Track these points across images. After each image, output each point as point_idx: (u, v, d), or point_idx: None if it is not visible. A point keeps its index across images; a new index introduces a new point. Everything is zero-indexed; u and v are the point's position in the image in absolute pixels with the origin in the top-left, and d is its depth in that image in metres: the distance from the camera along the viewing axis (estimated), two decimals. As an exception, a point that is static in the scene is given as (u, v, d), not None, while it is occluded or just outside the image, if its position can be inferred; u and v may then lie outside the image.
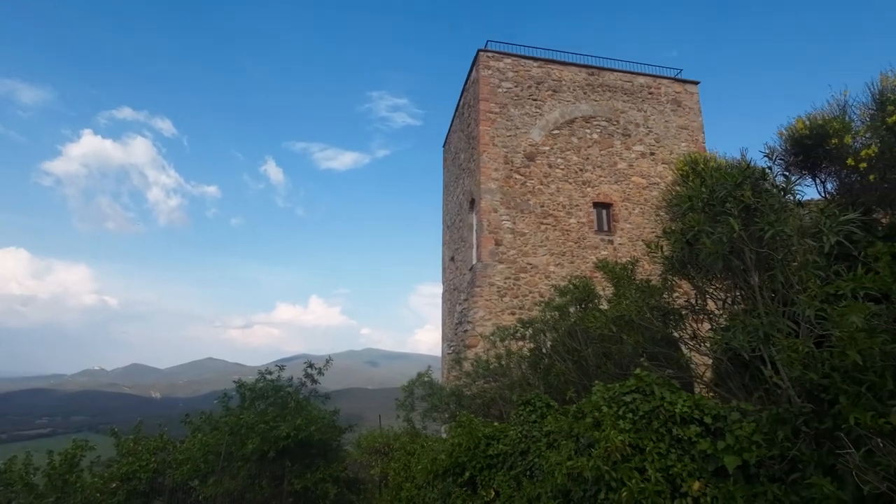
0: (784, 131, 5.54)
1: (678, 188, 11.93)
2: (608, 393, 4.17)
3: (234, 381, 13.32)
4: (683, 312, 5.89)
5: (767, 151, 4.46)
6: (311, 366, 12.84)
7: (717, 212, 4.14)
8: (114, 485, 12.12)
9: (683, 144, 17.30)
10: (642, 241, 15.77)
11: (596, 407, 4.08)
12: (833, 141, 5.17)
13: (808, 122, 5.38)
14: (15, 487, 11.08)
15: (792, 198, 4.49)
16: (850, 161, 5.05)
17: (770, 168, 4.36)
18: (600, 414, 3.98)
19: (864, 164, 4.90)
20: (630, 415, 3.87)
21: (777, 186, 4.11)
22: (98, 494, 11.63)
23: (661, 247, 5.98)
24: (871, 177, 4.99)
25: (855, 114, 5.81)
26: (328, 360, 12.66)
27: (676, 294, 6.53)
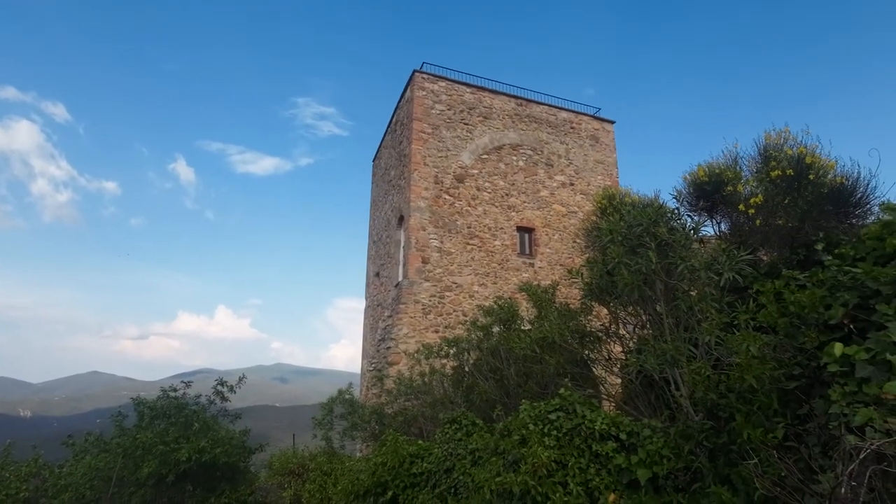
0: (688, 176, 6.25)
1: (595, 219, 12.89)
2: (534, 411, 4.38)
3: (131, 399, 12.17)
4: (600, 335, 6.33)
5: (676, 195, 5.03)
6: (222, 383, 12.06)
7: (634, 245, 4.57)
8: (-29, 518, 10.53)
9: (600, 178, 18.64)
10: (560, 265, 16.71)
11: (523, 425, 4.28)
12: (728, 188, 5.91)
13: (707, 170, 6.10)
14: None
15: (696, 235, 5.06)
16: (741, 207, 5.78)
17: (678, 209, 4.90)
18: (527, 431, 4.18)
19: (752, 210, 5.64)
20: (555, 432, 4.10)
21: (684, 227, 4.63)
22: (-51, 530, 10.06)
23: (582, 274, 6.42)
24: (758, 221, 5.74)
25: (745, 164, 6.68)
26: (242, 377, 11.98)
27: (591, 318, 7.02)
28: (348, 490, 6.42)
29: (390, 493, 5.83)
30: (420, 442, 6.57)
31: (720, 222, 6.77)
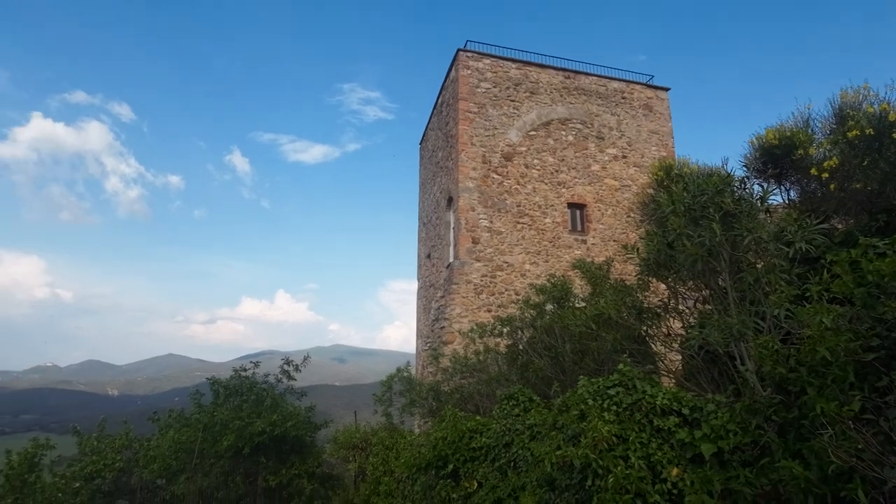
0: (755, 141, 5.90)
1: (651, 191, 12.40)
2: (592, 387, 4.39)
3: (206, 378, 13.11)
4: (658, 311, 6.19)
5: (746, 162, 4.75)
6: (288, 362, 12.77)
7: (697, 216, 4.41)
8: (77, 484, 11.77)
9: (654, 149, 17.90)
10: (614, 241, 16.30)
11: (581, 400, 4.30)
12: (799, 152, 5.55)
13: (776, 133, 5.74)
14: (-30, 488, 10.64)
15: (761, 205, 4.81)
16: (813, 171, 5.43)
17: (748, 177, 4.66)
18: (586, 407, 4.19)
19: (825, 175, 5.29)
20: (614, 407, 4.09)
21: (751, 195, 4.42)
22: (60, 494, 11.29)
23: (638, 249, 6.27)
24: (832, 186, 5.38)
25: (817, 126, 6.23)
26: (306, 356, 12.63)
27: (648, 294, 6.86)
28: (410, 463, 6.68)
29: (451, 467, 6.03)
30: (478, 418, 6.72)
31: (790, 189, 6.39)
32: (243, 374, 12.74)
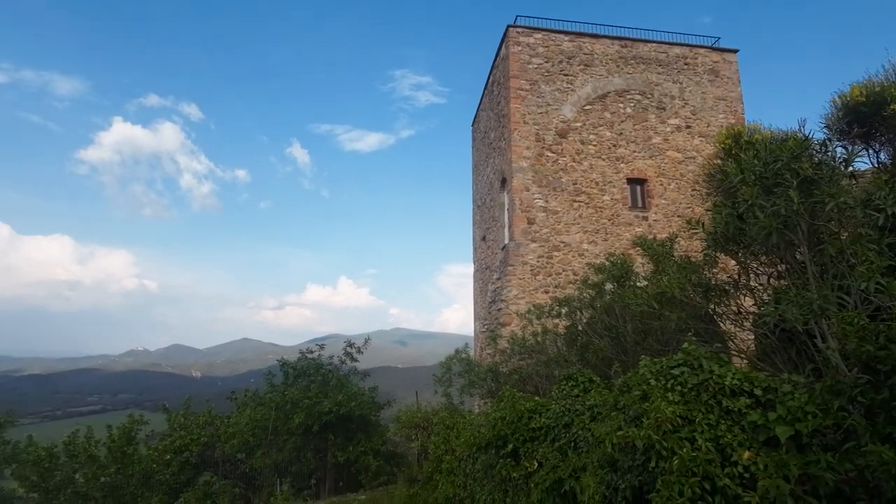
0: (838, 99, 5.35)
1: (719, 161, 11.65)
2: (655, 367, 4.23)
3: (276, 361, 13.89)
4: (727, 288, 5.85)
5: (828, 122, 4.31)
6: (350, 345, 13.29)
7: (770, 184, 4.08)
8: (168, 457, 12.89)
9: (721, 116, 16.76)
10: (678, 216, 15.53)
11: (644, 380, 4.15)
12: (891, 107, 4.97)
13: (863, 89, 5.17)
14: (79, 459, 11.90)
15: (845, 169, 4.38)
16: (907, 129, 4.87)
17: (830, 139, 4.24)
18: (648, 387, 4.05)
19: (922, 132, 4.73)
20: (678, 387, 3.92)
21: (834, 158, 4.03)
22: (154, 465, 12.41)
23: (704, 223, 5.92)
24: (930, 145, 4.81)
25: (912, 79, 5.56)
26: (367, 339, 13.08)
27: (715, 270, 6.48)
28: (471, 442, 6.77)
29: (510, 446, 6.05)
30: (537, 398, 6.69)
31: (879, 151, 5.77)
32: (309, 356, 13.38)
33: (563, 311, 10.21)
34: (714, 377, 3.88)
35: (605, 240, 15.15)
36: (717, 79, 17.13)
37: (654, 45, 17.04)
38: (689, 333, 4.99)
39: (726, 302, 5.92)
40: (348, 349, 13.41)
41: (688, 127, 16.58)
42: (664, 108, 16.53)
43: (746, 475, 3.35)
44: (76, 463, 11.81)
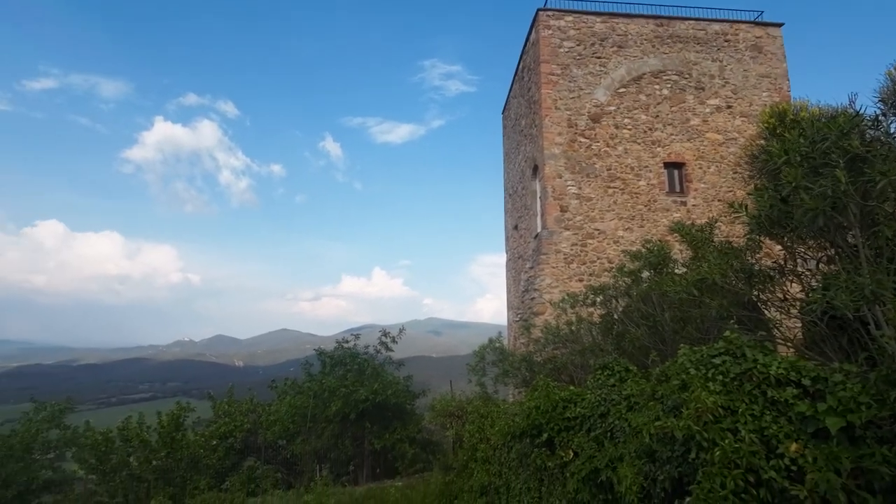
0: (893, 70, 4.99)
1: (762, 142, 11.10)
2: (695, 356, 4.10)
3: (314, 350, 14.24)
4: (772, 274, 5.60)
5: (882, 96, 4.01)
6: (385, 334, 13.48)
7: (817, 164, 3.86)
8: (214, 442, 13.45)
9: (765, 94, 15.98)
10: (718, 200, 14.98)
11: (683, 369, 4.03)
12: (953, 79, 4.61)
13: (923, 59, 4.81)
14: (132, 443, 12.56)
15: (901, 145, 4.09)
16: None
17: (884, 114, 3.96)
18: (688, 376, 3.93)
19: None
20: (720, 377, 3.79)
21: (888, 133, 3.76)
22: (201, 450, 12.97)
23: (747, 206, 5.67)
24: None
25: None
26: (401, 329, 13.25)
27: (759, 255, 6.21)
28: (505, 431, 6.77)
29: (545, 435, 6.02)
30: (572, 388, 6.62)
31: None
32: (345, 345, 13.66)
33: (598, 299, 10.03)
34: (758, 366, 3.73)
35: (641, 226, 14.77)
36: (759, 55, 16.32)
37: (692, 22, 16.35)
38: (731, 321, 4.81)
39: (771, 288, 5.68)
40: (383, 339, 13.61)
41: (728, 107, 15.89)
42: (703, 88, 15.89)
43: (794, 468, 3.22)
44: (130, 447, 12.47)
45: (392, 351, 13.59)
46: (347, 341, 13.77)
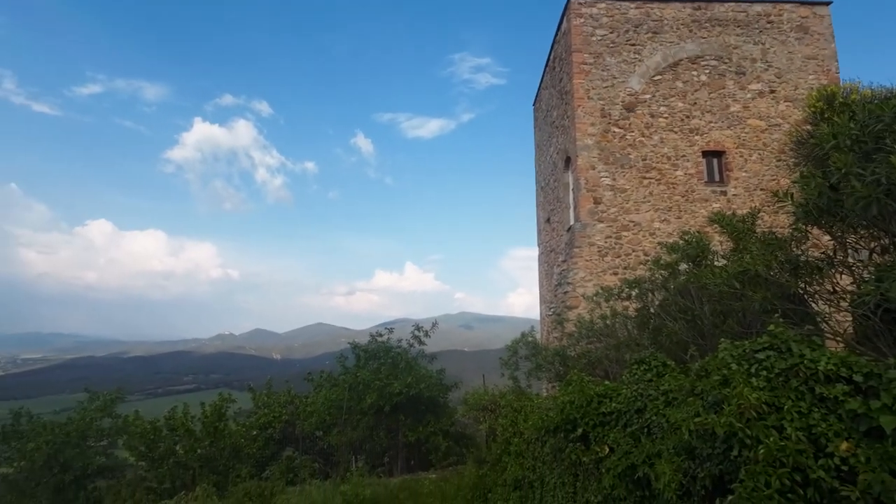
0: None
1: (809, 128, 10.59)
2: (737, 350, 3.96)
3: (348, 344, 14.49)
4: (820, 265, 5.35)
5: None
6: (418, 328, 13.59)
7: (869, 149, 3.64)
8: (254, 432, 13.90)
9: (811, 77, 15.20)
10: (761, 189, 14.40)
11: (724, 364, 3.91)
12: None
13: None
14: (178, 432, 13.10)
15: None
16: None
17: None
18: (729, 372, 3.81)
19: None
20: (764, 372, 3.65)
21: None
22: (242, 440, 13.42)
23: (792, 195, 5.43)
24: None
25: None
26: (434, 323, 13.32)
27: (806, 246, 5.94)
28: (539, 425, 6.73)
29: (580, 430, 5.95)
30: (606, 382, 6.52)
31: None
32: (379, 339, 13.84)
33: (634, 293, 9.82)
34: (805, 361, 3.58)
35: (679, 218, 14.34)
36: (805, 36, 15.52)
37: (732, 4, 15.68)
38: (776, 315, 4.63)
39: (819, 280, 5.43)
40: (416, 332, 13.72)
41: (772, 91, 15.20)
42: (744, 73, 15.24)
43: (844, 468, 3.08)
44: (176, 436, 13.01)
45: (425, 345, 13.69)
46: (381, 335, 13.95)
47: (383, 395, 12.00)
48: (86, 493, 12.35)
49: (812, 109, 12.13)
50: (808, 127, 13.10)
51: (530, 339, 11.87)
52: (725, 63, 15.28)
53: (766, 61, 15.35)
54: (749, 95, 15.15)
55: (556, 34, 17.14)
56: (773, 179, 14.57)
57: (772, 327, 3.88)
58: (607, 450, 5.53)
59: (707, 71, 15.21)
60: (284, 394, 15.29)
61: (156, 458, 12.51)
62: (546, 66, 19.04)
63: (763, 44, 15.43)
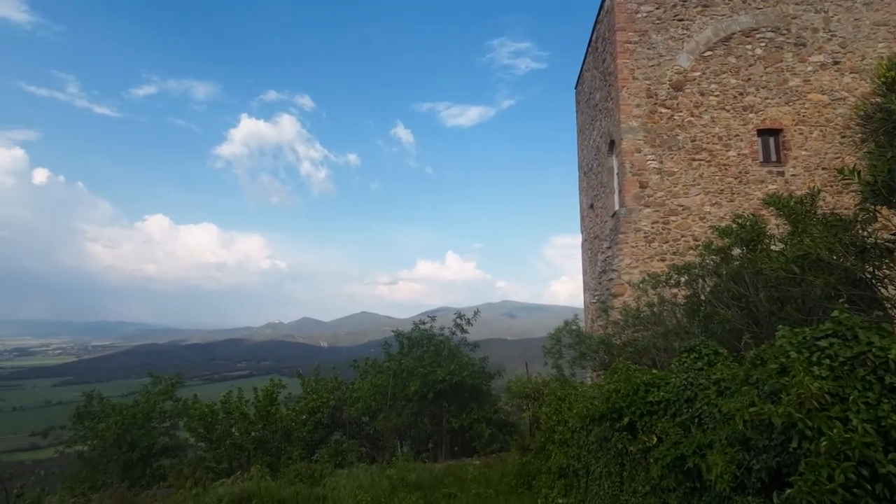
0: None
1: (878, 100, 9.81)
2: (796, 338, 3.75)
3: (392, 332, 14.73)
4: (891, 248, 4.98)
5: None
6: (460, 316, 13.64)
7: (949, 119, 3.34)
8: (303, 416, 14.39)
9: (881, 46, 14.06)
10: (823, 168, 13.53)
11: (782, 352, 3.71)
12: None
13: None
14: (234, 415, 13.73)
15: None
16: None
17: None
18: (788, 360, 3.62)
19: None
20: (827, 361, 3.44)
21: None
22: (292, 424, 13.91)
23: (859, 172, 5.06)
24: None
25: None
26: (477, 311, 13.34)
27: (875, 227, 5.53)
28: (583, 414, 6.64)
29: (626, 419, 5.83)
30: (654, 371, 6.34)
31: None
32: (422, 327, 13.99)
33: (683, 279, 9.48)
34: (874, 350, 3.35)
35: (731, 200, 13.67)
36: (874, 1, 14.34)
37: (791, -30, 14.67)
38: (840, 300, 4.35)
39: (889, 264, 5.06)
40: (458, 321, 13.78)
41: (835, 63, 14.17)
42: (804, 45, 14.26)
43: (918, 462, 2.88)
44: (231, 419, 13.65)
45: (467, 333, 13.73)
46: (424, 323, 14.09)
47: (427, 383, 12.14)
48: (151, 471, 13.18)
49: (881, 80, 11.22)
50: (878, 99, 12.14)
51: (574, 327, 11.69)
52: (783, 35, 14.34)
53: (830, 30, 14.30)
54: (810, 68, 14.18)
55: (599, 13, 16.56)
56: (837, 157, 13.63)
57: (836, 313, 3.65)
58: (655, 439, 5.39)
59: (763, 44, 14.33)
60: (332, 380, 15.72)
61: (213, 439, 13.17)
62: (588, 47, 18.47)
63: (826, 12, 14.37)
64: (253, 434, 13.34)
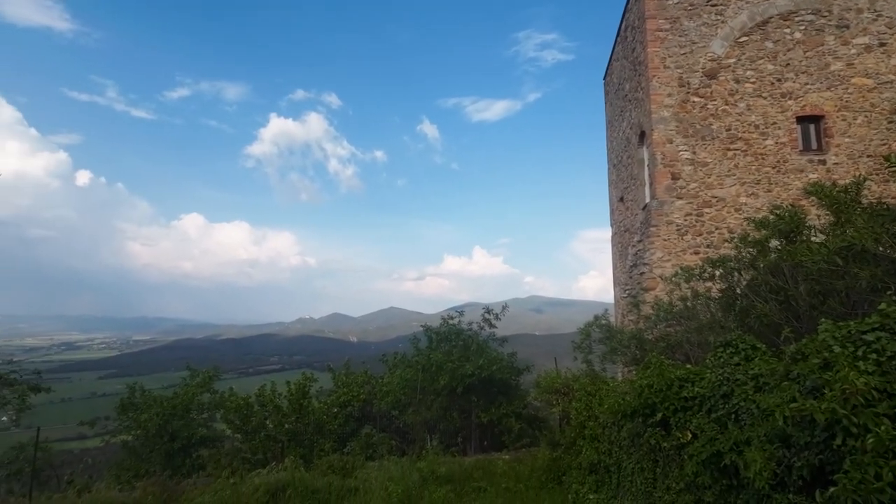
0: None
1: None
2: (840, 332, 3.62)
3: (420, 327, 14.83)
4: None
5: None
6: (488, 311, 13.63)
7: None
8: (335, 410, 14.64)
9: (932, 24, 13.31)
10: (868, 156, 12.94)
11: (825, 347, 3.59)
12: None
13: None
14: (268, 408, 14.08)
15: None
16: None
17: None
18: (831, 355, 3.49)
19: None
20: (873, 355, 3.31)
21: None
22: (324, 417, 14.18)
23: (908, 158, 4.82)
24: None
25: None
26: (505, 306, 13.30)
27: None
28: (615, 409, 6.56)
29: (659, 415, 5.74)
30: (688, 366, 6.21)
31: None
32: (450, 322, 14.04)
33: (718, 272, 9.22)
34: (924, 344, 3.21)
35: (769, 191, 13.21)
36: (925, -23, 13.57)
37: (832, -51, 14.02)
38: (888, 293, 4.17)
39: (941, 255, 4.81)
40: (486, 315, 13.77)
41: (881, 45, 13.48)
42: (847, 26, 13.62)
43: (972, 462, 2.75)
44: (265, 411, 14.01)
45: (495, 328, 13.71)
46: (452, 318, 14.14)
47: (455, 377, 12.19)
48: (191, 460, 13.66)
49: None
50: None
51: (604, 322, 11.53)
52: (824, 17, 13.72)
53: (875, 10, 13.62)
54: (854, 51, 13.54)
55: (628, 2, 16.20)
56: (884, 144, 13.00)
57: (883, 306, 3.50)
58: (690, 436, 5.30)
59: (802, 27, 13.75)
60: (362, 374, 15.94)
61: (249, 430, 13.55)
62: (617, 36, 18.09)
63: (871, -9, 13.69)
64: (286, 426, 13.66)
